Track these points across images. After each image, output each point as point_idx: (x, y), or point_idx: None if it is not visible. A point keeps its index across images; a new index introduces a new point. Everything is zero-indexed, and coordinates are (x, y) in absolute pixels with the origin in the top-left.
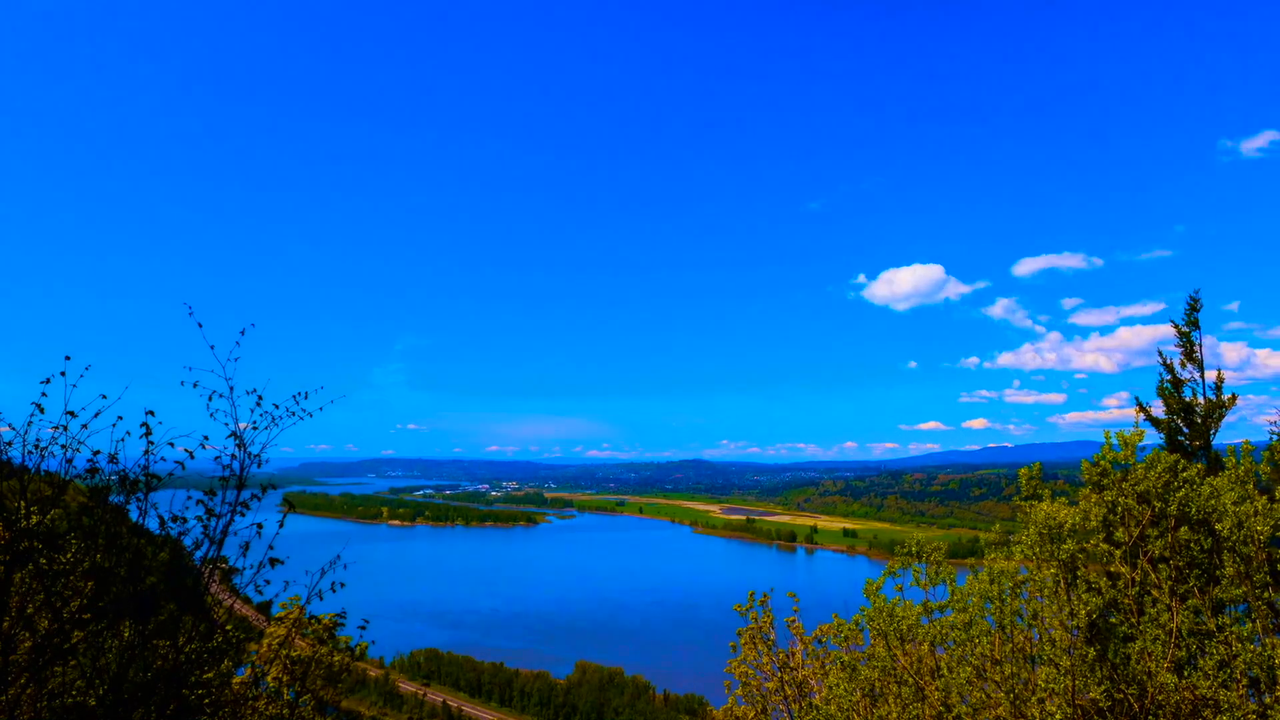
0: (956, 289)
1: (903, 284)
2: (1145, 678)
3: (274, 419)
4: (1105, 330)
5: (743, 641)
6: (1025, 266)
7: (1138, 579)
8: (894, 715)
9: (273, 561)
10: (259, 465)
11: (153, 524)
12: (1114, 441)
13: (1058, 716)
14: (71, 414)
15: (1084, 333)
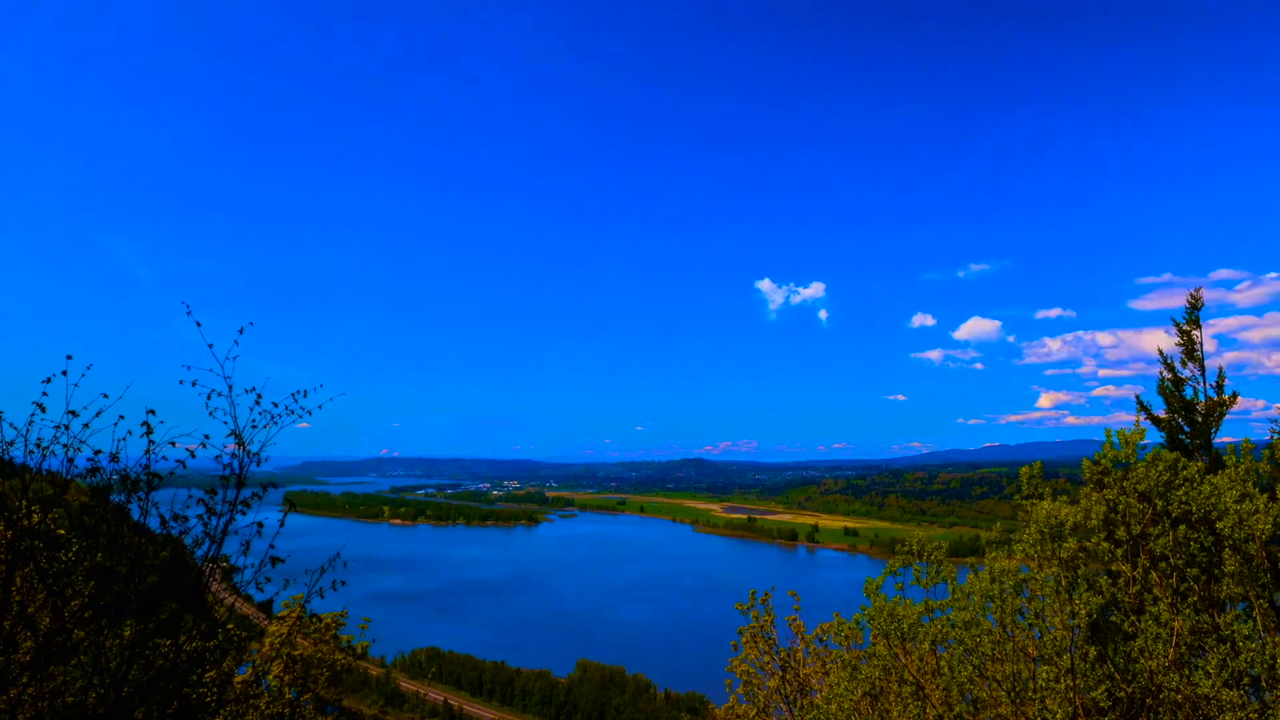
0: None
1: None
2: (1146, 676)
3: (273, 418)
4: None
5: (744, 640)
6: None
7: (1139, 577)
8: (895, 714)
9: (274, 560)
10: (259, 464)
11: (154, 523)
12: (1115, 440)
13: (1059, 715)
14: (73, 413)
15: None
